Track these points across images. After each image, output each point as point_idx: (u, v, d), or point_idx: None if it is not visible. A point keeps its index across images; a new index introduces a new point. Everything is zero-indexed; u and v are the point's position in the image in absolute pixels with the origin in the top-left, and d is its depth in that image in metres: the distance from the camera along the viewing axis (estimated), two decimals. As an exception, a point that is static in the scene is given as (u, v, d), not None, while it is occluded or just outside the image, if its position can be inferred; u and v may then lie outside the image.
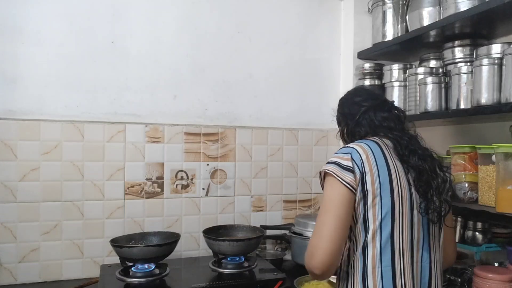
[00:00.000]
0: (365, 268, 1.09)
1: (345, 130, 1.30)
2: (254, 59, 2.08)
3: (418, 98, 1.72)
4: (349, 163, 1.11)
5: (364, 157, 1.11)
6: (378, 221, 1.09)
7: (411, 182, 1.14)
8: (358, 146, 1.14)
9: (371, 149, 1.14)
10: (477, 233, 1.65)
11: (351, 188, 1.09)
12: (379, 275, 1.08)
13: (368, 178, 1.09)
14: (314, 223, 1.82)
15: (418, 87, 1.72)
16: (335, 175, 1.10)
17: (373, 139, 1.19)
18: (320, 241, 1.08)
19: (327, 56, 2.24)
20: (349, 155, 1.12)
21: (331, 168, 1.12)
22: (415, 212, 1.13)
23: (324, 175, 1.15)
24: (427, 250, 1.15)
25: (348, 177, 1.09)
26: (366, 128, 1.23)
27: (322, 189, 1.17)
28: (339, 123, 1.36)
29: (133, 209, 1.86)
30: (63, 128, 1.76)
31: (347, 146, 1.17)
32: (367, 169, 1.10)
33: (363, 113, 1.24)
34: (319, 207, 1.30)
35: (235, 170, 2.05)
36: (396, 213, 1.10)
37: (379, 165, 1.12)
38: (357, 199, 1.10)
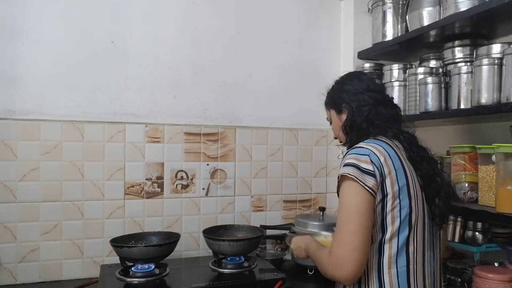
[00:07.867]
0: (381, 267, 1.10)
1: (349, 124, 1.25)
2: (254, 59, 2.08)
3: (418, 98, 1.72)
4: (370, 167, 1.08)
5: (382, 160, 1.10)
6: (397, 223, 1.09)
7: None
8: (374, 148, 1.12)
9: (386, 151, 1.13)
10: (477, 233, 1.65)
11: (372, 192, 1.07)
12: (395, 275, 1.09)
13: (387, 181, 1.09)
14: (314, 223, 1.85)
15: (418, 87, 1.72)
16: (357, 180, 1.07)
17: (383, 139, 1.18)
18: (349, 252, 1.05)
19: (327, 56, 2.24)
20: (368, 157, 1.10)
21: (352, 171, 1.08)
22: (426, 214, 1.16)
23: (342, 178, 1.11)
24: (432, 249, 1.17)
25: (370, 181, 1.07)
26: (376, 130, 1.20)
27: (337, 192, 1.14)
28: (338, 110, 1.31)
29: (133, 209, 1.86)
30: (63, 128, 1.75)
31: (361, 147, 1.14)
32: (386, 172, 1.09)
33: (372, 108, 1.22)
34: (337, 212, 1.18)
35: (235, 170, 2.05)
36: (413, 216, 1.11)
37: (397, 168, 1.11)
38: (375, 201, 1.09)
